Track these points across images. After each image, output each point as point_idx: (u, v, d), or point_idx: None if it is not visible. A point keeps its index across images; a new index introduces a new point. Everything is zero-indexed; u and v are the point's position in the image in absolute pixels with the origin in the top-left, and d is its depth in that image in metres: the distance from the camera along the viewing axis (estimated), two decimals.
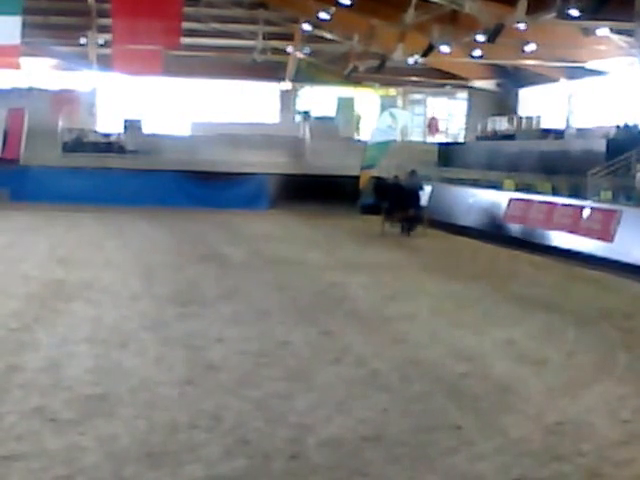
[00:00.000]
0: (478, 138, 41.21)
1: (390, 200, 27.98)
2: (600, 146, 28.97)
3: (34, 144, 35.27)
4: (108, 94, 43.53)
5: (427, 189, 30.67)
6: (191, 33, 39.37)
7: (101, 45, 41.56)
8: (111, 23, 35.70)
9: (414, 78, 44.10)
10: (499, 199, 27.54)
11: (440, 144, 42.02)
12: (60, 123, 37.77)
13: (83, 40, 42.06)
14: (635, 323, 13.64)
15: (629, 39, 29.43)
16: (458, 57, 37.25)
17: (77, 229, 25.94)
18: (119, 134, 38.71)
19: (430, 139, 45.79)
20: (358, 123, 44.17)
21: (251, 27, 43.49)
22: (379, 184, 30.65)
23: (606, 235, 21.42)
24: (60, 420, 7.84)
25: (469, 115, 46.48)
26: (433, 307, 14.41)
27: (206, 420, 7.96)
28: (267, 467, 6.94)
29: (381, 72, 40.23)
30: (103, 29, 40.51)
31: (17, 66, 35.80)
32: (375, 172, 32.61)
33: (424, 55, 34.90)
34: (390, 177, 29.84)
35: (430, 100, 47.78)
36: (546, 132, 35.86)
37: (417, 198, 27.95)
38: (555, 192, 26.43)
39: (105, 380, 9.23)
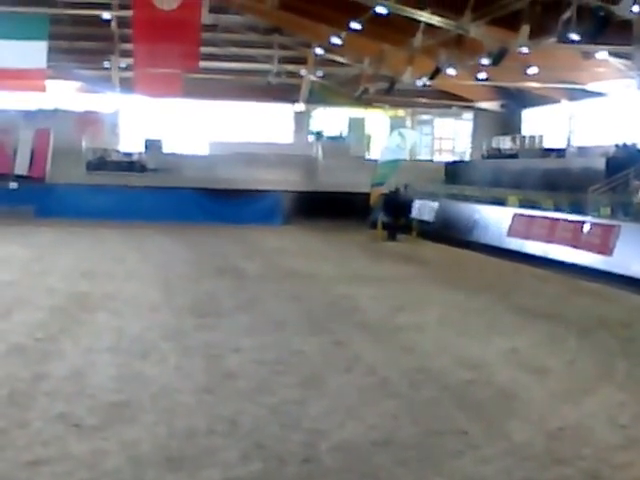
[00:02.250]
0: (483, 157, 41.48)
1: (386, 210, 30.87)
2: (600, 164, 29.45)
3: (59, 163, 36.26)
4: (130, 115, 44.05)
5: (434, 204, 31.97)
6: (209, 57, 39.79)
7: (123, 69, 42.04)
8: (133, 48, 36.01)
9: (422, 100, 44.57)
10: (503, 214, 27.69)
11: (447, 163, 42.66)
12: (84, 143, 38.68)
13: (106, 64, 42.73)
14: (633, 332, 13.79)
15: (627, 62, 29.92)
16: (464, 80, 37.58)
17: (100, 244, 26.34)
18: (140, 153, 39.56)
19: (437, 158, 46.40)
20: (368, 143, 44.61)
21: (266, 51, 43.99)
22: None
23: (605, 249, 21.45)
24: (84, 426, 7.98)
25: (474, 135, 46.58)
26: (440, 317, 14.57)
27: (224, 425, 8.10)
28: (282, 470, 7.09)
29: (390, 94, 40.57)
30: (125, 53, 40.89)
31: (43, 89, 36.58)
32: (385, 189, 33.33)
33: (431, 78, 35.41)
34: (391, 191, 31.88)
35: (437, 120, 48.14)
36: (548, 151, 36.47)
37: (408, 209, 31.40)
38: (557, 208, 26.53)
39: (127, 388, 9.37)
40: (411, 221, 31.74)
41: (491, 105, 44.52)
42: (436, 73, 34.69)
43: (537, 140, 38.42)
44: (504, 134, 41.79)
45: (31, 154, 37.14)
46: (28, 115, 38.73)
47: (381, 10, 30.41)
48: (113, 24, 41.41)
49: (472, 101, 45.33)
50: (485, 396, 9.53)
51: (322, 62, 43.75)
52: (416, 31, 32.23)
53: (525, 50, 28.61)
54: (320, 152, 40.88)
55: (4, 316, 13.49)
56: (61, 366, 10.33)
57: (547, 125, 40.84)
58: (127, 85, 40.62)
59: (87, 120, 40.10)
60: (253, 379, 9.94)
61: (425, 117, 48.24)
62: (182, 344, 11.77)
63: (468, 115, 47.32)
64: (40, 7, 36.99)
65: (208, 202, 35.52)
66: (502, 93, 42.99)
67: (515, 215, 27.13)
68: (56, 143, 37.08)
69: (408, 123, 47.24)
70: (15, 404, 8.68)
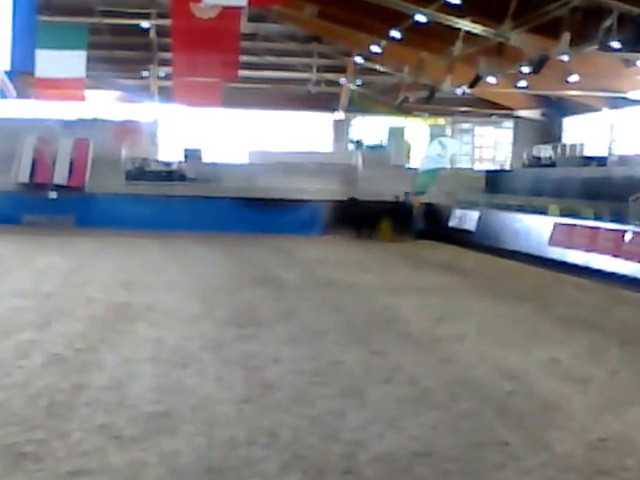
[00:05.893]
0: (524, 165, 41.34)
1: (390, 215, 33.83)
2: None
3: (98, 173, 36.27)
4: (169, 125, 44.33)
5: (475, 213, 31.82)
6: (248, 66, 40.00)
7: (162, 78, 42.51)
8: (172, 57, 35.84)
9: (462, 108, 44.85)
10: (544, 224, 27.51)
11: (488, 171, 42.41)
12: (123, 152, 38.74)
13: (145, 73, 43.33)
14: None
15: None
16: (504, 88, 37.76)
17: (139, 254, 26.26)
18: (180, 163, 39.56)
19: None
20: (409, 152, 44.40)
21: (306, 60, 44.40)
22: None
23: None
24: (124, 437, 7.95)
25: (515, 143, 46.68)
26: (481, 328, 14.44)
27: (263, 436, 8.05)
28: None
29: (430, 102, 40.72)
30: (164, 62, 41.17)
31: (82, 98, 36.88)
32: (425, 198, 33.66)
33: (471, 86, 35.59)
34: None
35: (477, 129, 48.26)
36: (589, 159, 36.13)
37: (409, 215, 33.96)
38: (598, 217, 26.29)
39: (167, 398, 9.33)
40: (410, 225, 33.72)
41: (532, 113, 44.58)
42: (476, 81, 34.85)
43: (578, 149, 38.26)
44: (545, 143, 41.67)
45: (70, 164, 37.18)
46: (67, 124, 38.72)
47: (421, 18, 30.46)
48: (152, 33, 41.90)
49: (512, 109, 45.44)
50: (526, 407, 9.42)
51: (362, 71, 44.04)
52: (456, 39, 32.41)
53: (566, 58, 28.59)
54: (360, 161, 40.67)
55: (43, 327, 13.41)
56: (101, 377, 10.29)
57: (588, 133, 40.79)
58: (166, 94, 40.86)
59: (126, 129, 40.04)
60: (293, 390, 9.88)
61: (465, 126, 48.35)
62: (222, 355, 11.70)
63: (508, 123, 47.45)
64: (79, 17, 37.52)
65: (247, 212, 35.45)
66: (542, 101, 43.11)
67: (556, 224, 26.97)
68: (95, 153, 37.13)
69: (448, 132, 47.46)
70: (55, 415, 8.60)
